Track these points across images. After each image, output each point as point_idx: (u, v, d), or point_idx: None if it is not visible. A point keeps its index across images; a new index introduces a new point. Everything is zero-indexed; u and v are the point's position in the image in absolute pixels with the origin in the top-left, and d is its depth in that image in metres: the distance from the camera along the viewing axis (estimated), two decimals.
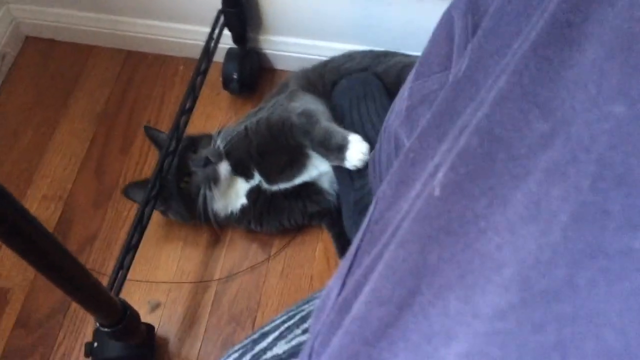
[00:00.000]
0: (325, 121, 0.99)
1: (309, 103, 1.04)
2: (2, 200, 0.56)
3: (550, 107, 0.22)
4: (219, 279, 1.10)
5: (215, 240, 1.14)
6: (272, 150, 1.03)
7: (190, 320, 1.07)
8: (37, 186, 1.21)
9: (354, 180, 1.01)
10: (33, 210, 1.17)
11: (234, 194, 1.07)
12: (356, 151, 0.93)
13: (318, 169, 1.05)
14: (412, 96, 0.42)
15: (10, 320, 1.06)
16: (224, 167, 1.01)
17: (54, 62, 1.36)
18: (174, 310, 1.08)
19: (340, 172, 1.02)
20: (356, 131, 0.97)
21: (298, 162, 1.03)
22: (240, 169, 1.05)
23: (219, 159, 1.01)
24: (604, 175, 0.19)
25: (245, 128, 1.05)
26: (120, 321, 0.84)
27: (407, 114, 0.41)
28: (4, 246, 1.12)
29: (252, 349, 0.39)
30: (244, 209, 1.08)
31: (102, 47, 1.37)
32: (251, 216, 1.08)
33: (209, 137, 1.07)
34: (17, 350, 1.04)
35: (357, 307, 0.25)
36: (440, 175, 0.25)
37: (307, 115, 1.00)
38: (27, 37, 1.38)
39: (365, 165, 0.94)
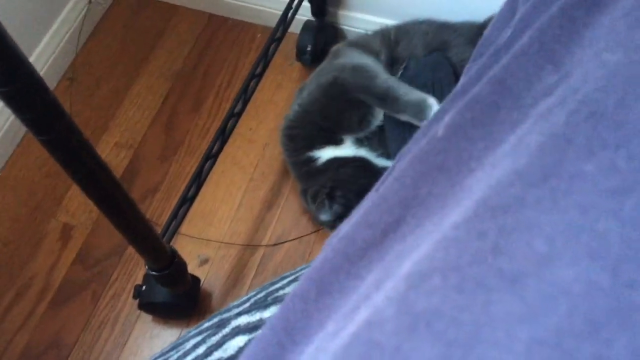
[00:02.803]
0: (384, 74, 0.98)
1: (356, 58, 1.03)
2: (80, 146, 0.59)
3: (562, 63, 0.24)
4: (267, 245, 1.13)
5: (269, 207, 1.17)
6: (335, 110, 1.03)
7: (234, 279, 1.10)
8: (111, 133, 1.27)
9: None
10: (105, 155, 1.23)
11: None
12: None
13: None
14: (466, 74, 0.41)
15: (71, 255, 1.13)
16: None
17: (141, 18, 1.42)
18: (221, 267, 1.11)
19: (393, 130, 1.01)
20: None
21: (363, 109, 1.02)
22: (323, 140, 1.05)
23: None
24: (580, 110, 0.21)
25: (299, 105, 1.06)
26: (167, 267, 0.87)
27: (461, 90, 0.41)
28: (73, 186, 1.20)
29: (269, 288, 0.40)
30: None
31: (186, 7, 1.41)
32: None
33: None
34: (73, 284, 1.11)
35: (346, 228, 0.27)
36: (447, 118, 0.26)
37: (361, 70, 0.99)
38: None
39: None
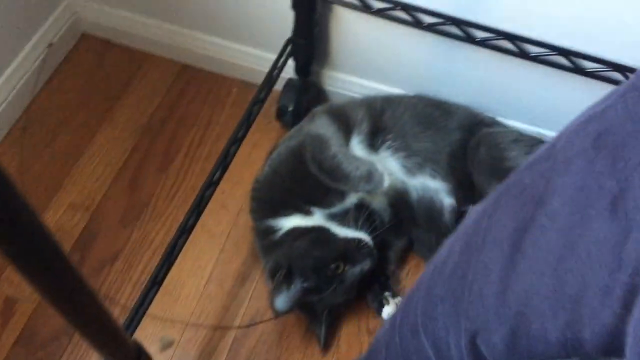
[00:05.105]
0: (337, 148, 0.91)
1: (322, 127, 0.97)
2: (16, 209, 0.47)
3: None
4: (239, 327, 1.01)
5: (242, 282, 1.06)
6: (303, 177, 0.94)
7: None
8: (66, 192, 1.14)
9: None
10: (57, 218, 1.10)
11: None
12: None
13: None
14: None
15: (12, 336, 0.98)
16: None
17: (106, 64, 1.30)
18: (187, 352, 0.99)
19: None
20: None
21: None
22: (291, 207, 0.96)
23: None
24: None
25: (269, 166, 1.00)
26: None
27: None
28: None
29: None
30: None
31: (157, 56, 1.31)
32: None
33: None
34: None
35: None
36: None
37: (317, 140, 0.93)
38: (83, 34, 1.33)
39: None
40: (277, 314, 0.93)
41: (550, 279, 0.44)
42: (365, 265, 0.93)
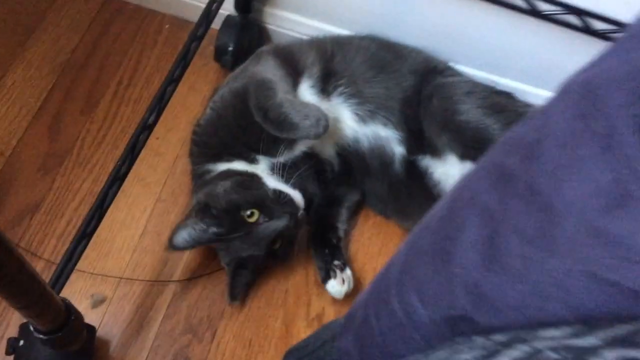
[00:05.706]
0: (282, 95, 0.84)
1: (269, 70, 0.90)
2: None
3: None
4: (178, 280, 0.95)
5: None
6: (250, 123, 0.87)
7: (139, 323, 0.91)
8: None
9: None
10: None
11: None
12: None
13: None
14: None
15: None
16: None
17: None
18: (120, 308, 0.92)
19: None
20: None
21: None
22: (235, 153, 0.89)
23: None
24: None
25: (212, 108, 0.91)
26: (60, 328, 0.67)
27: None
28: None
29: None
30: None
31: None
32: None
33: None
34: None
35: None
36: None
37: (263, 86, 0.85)
38: None
39: None
40: (171, 248, 0.85)
41: (535, 222, 0.42)
42: (281, 223, 0.86)
